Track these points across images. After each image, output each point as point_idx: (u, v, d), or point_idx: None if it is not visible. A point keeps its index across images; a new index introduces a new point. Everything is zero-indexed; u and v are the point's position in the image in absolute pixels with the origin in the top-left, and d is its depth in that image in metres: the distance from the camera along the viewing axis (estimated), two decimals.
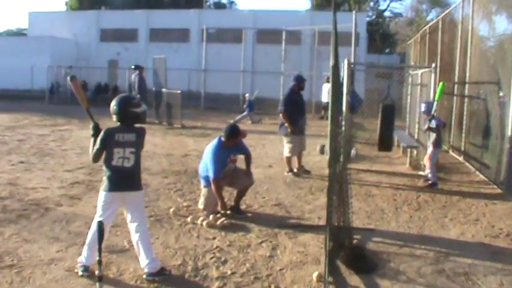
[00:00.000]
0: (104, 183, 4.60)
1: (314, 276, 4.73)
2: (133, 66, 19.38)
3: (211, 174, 6.62)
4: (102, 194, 4.62)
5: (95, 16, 41.10)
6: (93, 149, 4.59)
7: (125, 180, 4.58)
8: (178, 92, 18.04)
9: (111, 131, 4.54)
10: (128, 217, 4.76)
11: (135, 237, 4.71)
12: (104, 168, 4.61)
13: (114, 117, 4.61)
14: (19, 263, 4.86)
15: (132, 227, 4.73)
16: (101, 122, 4.73)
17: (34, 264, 4.85)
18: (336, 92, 4.98)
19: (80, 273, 4.62)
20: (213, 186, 6.65)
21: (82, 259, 4.65)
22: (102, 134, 4.53)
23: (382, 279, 4.82)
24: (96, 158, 4.59)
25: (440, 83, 9.48)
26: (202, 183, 6.98)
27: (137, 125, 4.72)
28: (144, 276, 4.62)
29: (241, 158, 7.23)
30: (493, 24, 11.01)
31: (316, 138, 12.98)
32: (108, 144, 4.50)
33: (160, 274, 4.62)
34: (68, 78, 4.86)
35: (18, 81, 32.27)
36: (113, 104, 4.60)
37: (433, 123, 9.05)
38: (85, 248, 4.66)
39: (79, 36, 40.03)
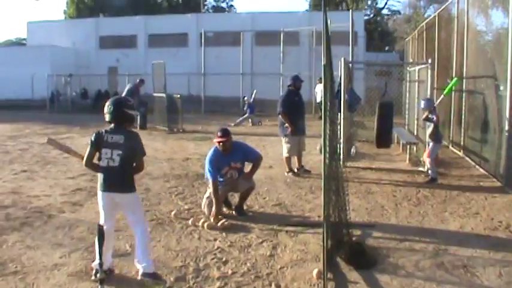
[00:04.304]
0: (98, 182, 4.69)
1: (314, 273, 4.77)
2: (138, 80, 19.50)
3: (208, 178, 6.84)
4: (98, 194, 4.72)
5: (93, 24, 41.25)
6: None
7: (112, 181, 4.61)
8: (178, 96, 18.11)
9: (100, 132, 4.64)
10: (128, 220, 4.85)
11: (135, 238, 4.80)
12: None
13: (107, 117, 4.66)
14: (23, 270, 4.92)
15: (131, 228, 4.86)
16: (102, 129, 4.74)
17: (37, 270, 4.91)
18: (328, 91, 5.03)
19: (93, 277, 4.66)
20: (210, 187, 6.80)
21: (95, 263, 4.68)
22: (92, 135, 4.66)
23: (381, 274, 4.86)
24: (87, 160, 4.68)
25: (455, 78, 9.44)
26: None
27: (129, 129, 4.76)
28: (140, 275, 4.65)
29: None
30: (489, 18, 11.04)
31: (317, 138, 12.95)
32: (98, 145, 4.61)
33: (155, 277, 4.64)
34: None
35: (18, 90, 32.39)
36: (108, 104, 4.67)
37: (433, 116, 9.13)
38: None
39: (78, 45, 40.13)
